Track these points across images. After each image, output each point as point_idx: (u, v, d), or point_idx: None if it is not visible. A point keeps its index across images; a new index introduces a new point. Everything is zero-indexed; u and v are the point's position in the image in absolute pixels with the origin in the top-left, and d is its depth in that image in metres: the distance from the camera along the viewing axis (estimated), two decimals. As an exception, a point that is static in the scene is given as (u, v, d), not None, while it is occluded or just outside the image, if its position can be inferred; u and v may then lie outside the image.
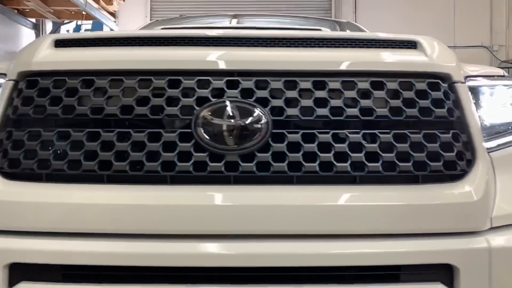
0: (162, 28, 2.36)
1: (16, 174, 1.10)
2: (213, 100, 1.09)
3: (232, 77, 1.11)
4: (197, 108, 1.08)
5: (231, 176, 1.07)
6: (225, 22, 2.96)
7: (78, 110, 1.11)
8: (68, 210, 1.06)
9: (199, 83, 1.10)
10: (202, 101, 1.09)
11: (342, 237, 1.04)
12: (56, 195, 1.07)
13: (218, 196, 1.06)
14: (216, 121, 1.07)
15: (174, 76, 1.11)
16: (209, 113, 1.07)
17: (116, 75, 1.11)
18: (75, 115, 1.11)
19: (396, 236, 1.06)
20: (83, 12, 6.54)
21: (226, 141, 1.06)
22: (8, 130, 1.12)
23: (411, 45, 1.22)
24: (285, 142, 1.08)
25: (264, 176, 1.08)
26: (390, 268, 1.05)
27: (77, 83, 1.12)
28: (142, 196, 1.07)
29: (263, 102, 1.09)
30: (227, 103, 1.08)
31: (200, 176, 1.07)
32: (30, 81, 1.14)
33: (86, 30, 7.62)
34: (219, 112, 1.07)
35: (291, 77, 1.12)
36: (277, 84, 1.11)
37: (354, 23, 3.32)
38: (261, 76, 1.11)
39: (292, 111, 1.09)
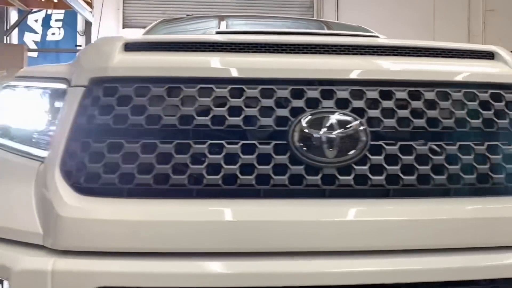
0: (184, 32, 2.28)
1: (92, 189, 1.05)
2: (309, 110, 1.07)
3: (324, 86, 1.09)
4: (293, 118, 1.06)
5: (326, 189, 1.06)
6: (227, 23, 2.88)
7: (165, 120, 1.06)
8: (161, 227, 1.01)
9: (293, 92, 1.08)
10: (296, 112, 1.07)
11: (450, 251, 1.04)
12: (146, 212, 1.02)
13: (322, 210, 1.04)
14: (315, 132, 1.05)
15: (266, 85, 1.08)
16: (307, 124, 1.05)
17: (205, 83, 1.07)
18: (162, 126, 1.05)
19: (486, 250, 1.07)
20: (55, 0, 6.24)
21: (324, 153, 1.04)
22: (83, 140, 1.06)
23: (489, 55, 1.23)
24: (383, 155, 1.07)
25: (361, 189, 1.06)
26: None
27: (162, 91, 1.06)
28: (239, 211, 1.03)
29: (359, 113, 1.08)
30: (327, 113, 1.06)
31: (294, 189, 1.05)
32: (108, 88, 1.08)
33: (57, 20, 7.17)
34: (317, 123, 1.05)
35: (385, 86, 1.11)
36: (372, 94, 1.09)
37: (363, 27, 3.33)
38: (355, 86, 1.10)
39: (389, 122, 1.08)
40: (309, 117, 1.05)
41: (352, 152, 1.05)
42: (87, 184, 1.04)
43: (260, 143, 1.05)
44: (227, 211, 1.03)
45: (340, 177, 1.05)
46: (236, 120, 1.05)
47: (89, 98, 1.08)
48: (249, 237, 1.01)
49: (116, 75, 1.09)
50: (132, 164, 1.03)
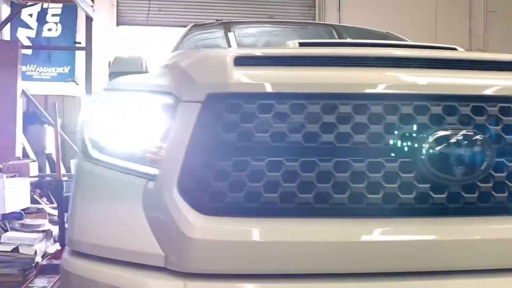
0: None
1: (215, 208, 1.04)
2: (434, 127, 1.07)
3: (447, 102, 1.09)
4: (419, 135, 1.06)
5: (450, 207, 1.07)
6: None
7: (290, 137, 1.05)
8: (296, 248, 1.01)
9: (417, 109, 1.07)
10: (421, 128, 1.07)
11: None
12: (279, 232, 1.02)
13: (459, 229, 1.06)
14: (442, 150, 1.05)
15: (389, 101, 1.07)
16: (434, 141, 1.05)
17: (328, 99, 1.07)
18: (287, 143, 1.05)
19: None
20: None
21: (452, 171, 1.05)
22: (204, 158, 1.05)
23: None
24: (505, 172, 1.08)
25: (485, 207, 1.07)
26: None
27: (287, 107, 1.05)
28: (368, 231, 1.04)
29: (481, 129, 1.08)
30: (453, 130, 1.06)
31: (419, 208, 1.06)
32: (230, 105, 1.06)
33: (54, 15, 6.83)
34: (443, 140, 1.06)
35: (504, 103, 1.11)
36: (493, 110, 1.10)
37: (395, 34, 3.30)
38: (476, 102, 1.10)
39: (510, 139, 1.09)
40: (436, 134, 1.06)
41: (478, 169, 1.06)
42: (211, 204, 1.04)
43: (386, 161, 1.05)
44: (358, 231, 1.03)
45: (466, 195, 1.06)
46: (361, 137, 1.05)
47: (207, 115, 1.06)
48: (380, 257, 1.02)
49: (236, 91, 1.07)
50: (259, 182, 1.03)
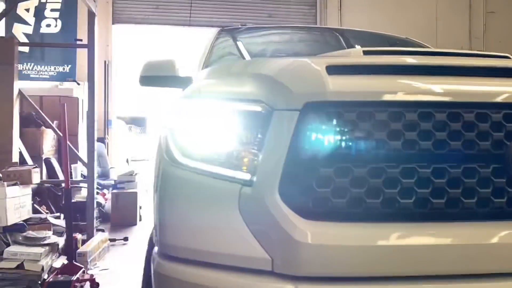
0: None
1: (318, 213, 1.09)
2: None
3: None
4: (508, 142, 1.11)
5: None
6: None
7: (391, 144, 1.10)
8: (404, 252, 1.07)
9: (507, 116, 1.12)
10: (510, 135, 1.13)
11: None
12: (386, 236, 1.08)
13: None
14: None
15: (480, 109, 1.12)
16: None
17: (423, 107, 1.12)
18: (387, 150, 1.10)
19: None
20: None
21: None
22: (306, 165, 1.10)
23: None
24: None
25: None
26: None
27: (386, 115, 1.11)
28: (465, 235, 1.10)
29: None
30: None
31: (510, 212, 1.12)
32: (331, 113, 1.11)
33: (53, 10, 6.30)
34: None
35: None
36: None
37: (412, 39, 3.29)
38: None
39: None
40: None
41: None
42: (314, 209, 1.09)
43: (480, 167, 1.11)
44: (461, 234, 1.10)
45: None
46: (456, 144, 1.10)
47: (306, 122, 1.11)
48: (483, 258, 1.08)
49: (335, 99, 1.11)
50: (361, 188, 1.08)
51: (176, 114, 1.38)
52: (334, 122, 1.10)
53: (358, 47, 2.87)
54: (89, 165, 4.73)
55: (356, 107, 1.10)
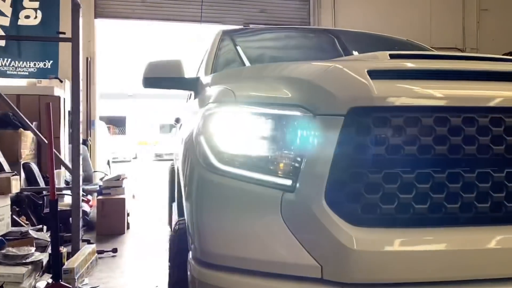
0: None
1: (366, 219, 1.09)
2: None
3: None
4: None
5: None
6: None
7: (437, 149, 1.10)
8: (459, 256, 1.08)
9: None
10: None
11: None
12: (440, 241, 1.09)
13: None
14: None
15: None
16: None
17: (466, 112, 1.14)
18: (434, 155, 1.10)
19: None
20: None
21: None
22: (353, 171, 1.10)
23: None
24: None
25: None
26: None
27: (431, 120, 1.12)
28: None
29: None
30: None
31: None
32: (378, 118, 1.11)
33: (32, 0, 5.57)
34: None
35: None
36: None
37: (413, 41, 3.25)
38: None
39: None
40: None
41: None
42: (363, 215, 1.09)
43: None
44: (508, 237, 1.11)
45: None
46: (499, 149, 1.12)
47: (352, 128, 1.10)
48: None
49: (380, 105, 1.11)
50: (409, 194, 1.10)
51: (211, 120, 1.35)
52: (381, 127, 1.10)
53: (355, 52, 2.84)
54: (74, 171, 4.29)
55: (402, 112, 1.11)
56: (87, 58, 6.91)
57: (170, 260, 1.73)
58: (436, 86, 1.16)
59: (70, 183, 4.96)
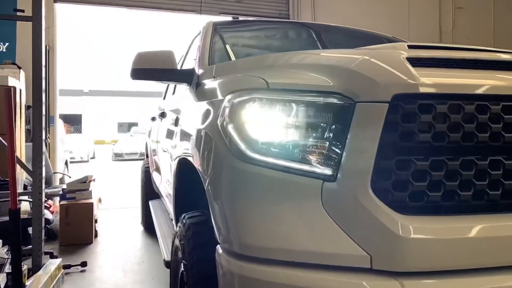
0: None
1: (414, 208, 1.10)
2: None
3: None
4: None
5: None
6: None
7: (479, 137, 1.13)
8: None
9: None
10: None
11: None
12: (489, 227, 1.11)
13: None
14: None
15: None
16: None
17: (506, 101, 1.16)
18: (476, 142, 1.12)
19: None
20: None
21: None
22: (400, 159, 1.10)
23: None
24: None
25: None
26: None
27: (472, 108, 1.14)
28: None
29: None
30: None
31: None
32: (423, 105, 1.11)
33: None
34: None
35: None
36: None
37: (399, 38, 3.25)
38: None
39: None
40: None
41: None
42: (411, 203, 1.10)
43: None
44: None
45: None
46: None
47: (398, 115, 1.10)
48: None
49: (425, 92, 1.11)
50: (455, 181, 1.12)
51: (243, 108, 1.32)
52: (427, 114, 1.10)
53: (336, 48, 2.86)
54: (35, 173, 3.64)
55: (446, 99, 1.12)
56: (46, 46, 6.15)
57: (184, 258, 1.61)
58: (474, 75, 1.19)
59: (29, 187, 4.29)
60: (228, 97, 1.40)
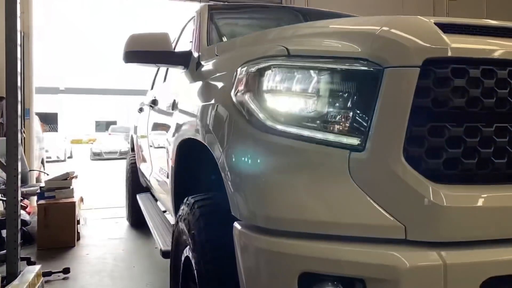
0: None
1: (447, 175, 1.07)
2: None
3: None
4: None
5: None
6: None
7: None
8: None
9: None
10: None
11: None
12: None
13: None
14: None
15: None
16: None
17: None
18: (510, 108, 1.11)
19: None
20: None
21: None
22: (434, 125, 1.07)
23: None
24: None
25: None
26: None
27: (506, 73, 1.12)
28: None
29: None
30: None
31: None
32: (456, 69, 1.09)
33: None
34: None
35: None
36: None
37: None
38: None
39: None
40: None
41: None
42: (445, 171, 1.07)
43: None
44: None
45: None
46: None
47: (430, 80, 1.07)
48: None
49: (457, 56, 1.09)
50: (489, 149, 1.09)
51: (262, 76, 1.26)
52: (460, 79, 1.08)
53: None
54: (10, 167, 3.21)
55: (478, 64, 1.10)
56: (20, 33, 5.68)
57: (193, 240, 1.53)
58: (503, 42, 1.16)
59: (3, 185, 3.86)
60: (242, 68, 1.36)
